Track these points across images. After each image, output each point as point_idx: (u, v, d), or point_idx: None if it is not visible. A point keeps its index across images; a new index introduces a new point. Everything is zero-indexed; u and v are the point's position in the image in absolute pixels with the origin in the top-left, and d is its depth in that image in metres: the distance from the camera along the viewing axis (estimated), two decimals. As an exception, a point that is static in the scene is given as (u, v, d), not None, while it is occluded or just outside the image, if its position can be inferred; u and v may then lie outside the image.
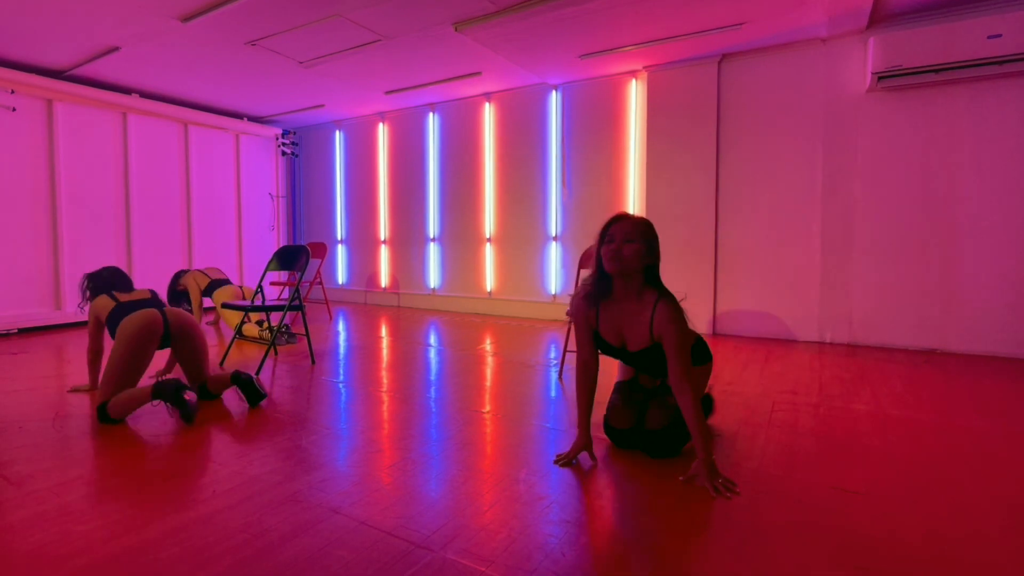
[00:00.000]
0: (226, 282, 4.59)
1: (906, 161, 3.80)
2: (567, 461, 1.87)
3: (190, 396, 2.25)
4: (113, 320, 2.47)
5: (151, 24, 3.82)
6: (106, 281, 2.69)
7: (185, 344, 2.54)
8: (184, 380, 2.68)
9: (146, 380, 2.63)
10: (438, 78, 5.12)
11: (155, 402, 2.33)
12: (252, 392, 2.52)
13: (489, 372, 3.28)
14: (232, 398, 2.65)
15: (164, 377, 2.77)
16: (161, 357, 3.23)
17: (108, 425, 2.24)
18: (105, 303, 2.57)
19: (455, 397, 2.72)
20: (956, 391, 2.80)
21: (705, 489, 1.65)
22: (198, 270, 4.70)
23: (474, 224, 5.85)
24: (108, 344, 2.74)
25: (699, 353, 1.99)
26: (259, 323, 4.20)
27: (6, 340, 4.29)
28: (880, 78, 3.64)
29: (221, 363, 3.32)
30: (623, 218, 1.84)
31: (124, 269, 5.40)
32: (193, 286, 4.52)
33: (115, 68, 4.75)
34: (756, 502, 1.59)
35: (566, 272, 5.27)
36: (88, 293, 2.69)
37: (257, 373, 3.15)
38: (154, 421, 2.29)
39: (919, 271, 3.80)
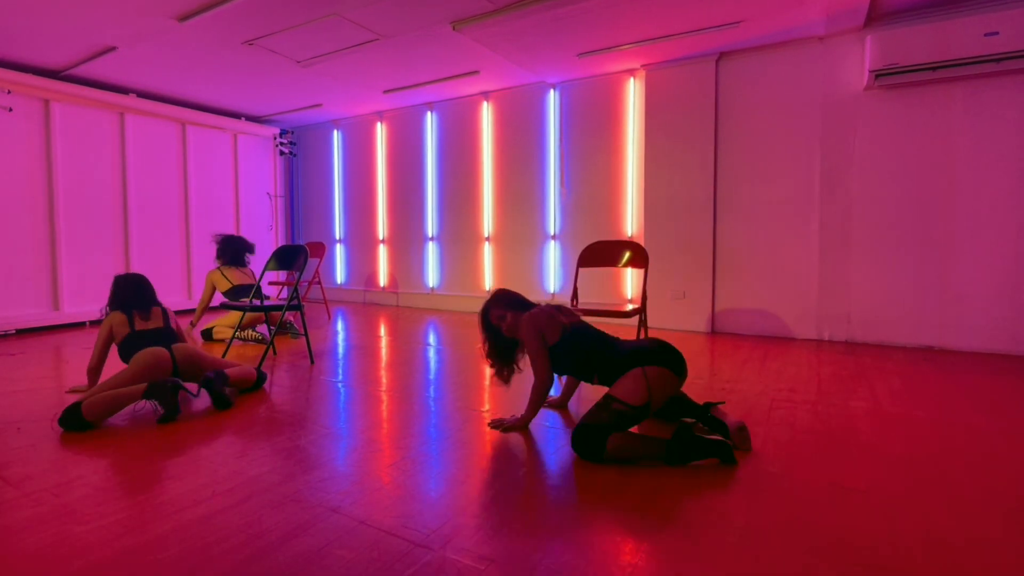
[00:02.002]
0: (249, 288, 4.15)
1: (904, 158, 3.81)
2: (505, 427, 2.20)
3: (184, 394, 2.32)
4: (125, 347, 2.56)
5: (148, 24, 3.81)
6: (127, 297, 2.67)
7: (193, 371, 2.64)
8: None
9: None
10: (436, 77, 5.11)
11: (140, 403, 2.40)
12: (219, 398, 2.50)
13: (489, 371, 3.27)
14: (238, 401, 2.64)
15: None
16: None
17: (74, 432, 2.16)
18: (121, 324, 2.60)
19: (454, 396, 2.72)
20: (954, 388, 2.80)
21: (707, 489, 1.67)
22: (226, 267, 4.26)
23: (473, 223, 5.85)
24: (111, 352, 2.74)
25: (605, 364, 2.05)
26: (252, 328, 4.05)
27: (4, 341, 4.28)
28: (878, 76, 3.65)
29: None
30: (485, 309, 2.28)
31: (122, 270, 5.36)
32: (208, 287, 4.17)
33: (112, 68, 4.74)
34: (755, 500, 1.59)
35: (565, 271, 5.27)
36: (108, 304, 2.69)
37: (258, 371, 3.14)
38: (153, 421, 2.29)
39: (917, 268, 3.81)
